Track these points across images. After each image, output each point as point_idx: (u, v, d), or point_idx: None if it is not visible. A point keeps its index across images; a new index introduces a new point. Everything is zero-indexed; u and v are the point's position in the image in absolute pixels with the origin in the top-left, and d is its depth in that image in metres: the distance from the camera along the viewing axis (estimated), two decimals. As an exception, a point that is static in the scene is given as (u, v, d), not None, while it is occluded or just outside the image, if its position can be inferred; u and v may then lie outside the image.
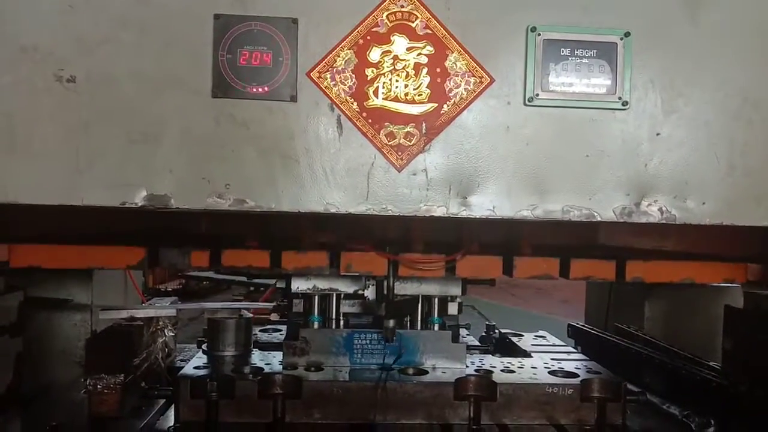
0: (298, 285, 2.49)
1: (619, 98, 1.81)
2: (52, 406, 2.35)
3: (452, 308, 2.58)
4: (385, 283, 2.35)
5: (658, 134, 1.84)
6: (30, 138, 1.72)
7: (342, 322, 2.58)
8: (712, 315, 2.97)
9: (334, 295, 2.55)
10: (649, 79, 1.82)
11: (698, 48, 1.83)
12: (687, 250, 2.30)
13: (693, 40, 1.83)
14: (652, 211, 1.84)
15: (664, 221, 1.84)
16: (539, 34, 1.78)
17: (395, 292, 2.38)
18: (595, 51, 1.80)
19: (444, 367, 2.47)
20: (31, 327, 2.63)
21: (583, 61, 1.80)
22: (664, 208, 1.84)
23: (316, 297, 2.52)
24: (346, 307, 2.62)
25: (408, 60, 1.78)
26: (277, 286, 2.60)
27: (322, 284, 2.50)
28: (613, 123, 1.83)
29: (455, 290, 2.52)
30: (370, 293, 2.52)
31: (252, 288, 8.99)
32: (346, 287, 2.53)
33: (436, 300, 2.54)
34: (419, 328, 2.56)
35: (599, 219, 1.83)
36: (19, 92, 1.71)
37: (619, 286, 3.40)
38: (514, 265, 2.29)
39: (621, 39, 1.80)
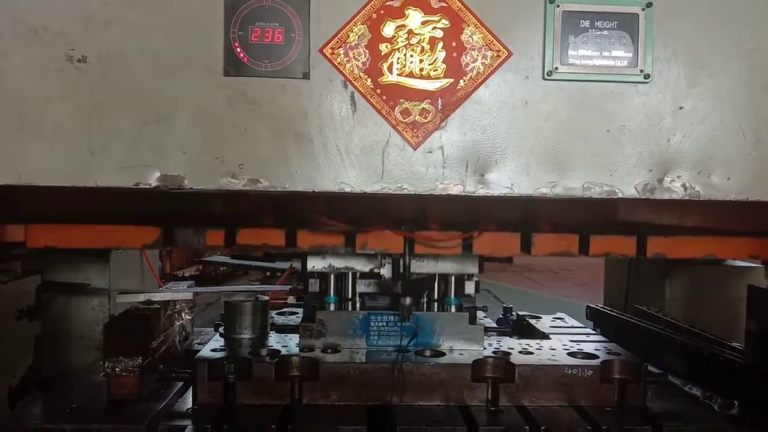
0: (314, 264, 2.48)
1: (641, 71, 1.76)
2: (71, 388, 2.36)
3: (469, 287, 2.55)
4: (402, 262, 2.33)
5: (681, 108, 1.78)
6: (42, 120, 1.71)
7: (358, 303, 2.57)
8: (734, 296, 2.92)
9: (350, 274, 2.53)
10: (671, 51, 1.77)
11: (723, 17, 1.76)
12: (710, 225, 2.24)
13: (717, 9, 1.76)
14: (675, 188, 1.80)
15: (687, 197, 1.79)
16: (558, 6, 1.73)
17: (411, 270, 2.35)
18: (615, 22, 1.74)
19: (461, 348, 2.45)
20: (49, 311, 2.65)
21: (604, 32, 1.74)
22: (687, 184, 1.79)
23: (332, 276, 2.51)
24: (362, 287, 2.60)
25: (423, 34, 1.73)
26: (293, 267, 2.59)
27: (338, 263, 2.48)
28: (634, 97, 1.78)
29: (472, 268, 2.49)
30: (386, 272, 2.49)
31: (268, 273, 9.06)
32: (362, 266, 2.50)
33: (453, 278, 2.51)
34: (436, 308, 2.54)
35: (621, 196, 1.79)
36: (30, 73, 1.69)
37: (639, 267, 3.36)
38: (532, 242, 2.26)
39: (643, 9, 1.74)
